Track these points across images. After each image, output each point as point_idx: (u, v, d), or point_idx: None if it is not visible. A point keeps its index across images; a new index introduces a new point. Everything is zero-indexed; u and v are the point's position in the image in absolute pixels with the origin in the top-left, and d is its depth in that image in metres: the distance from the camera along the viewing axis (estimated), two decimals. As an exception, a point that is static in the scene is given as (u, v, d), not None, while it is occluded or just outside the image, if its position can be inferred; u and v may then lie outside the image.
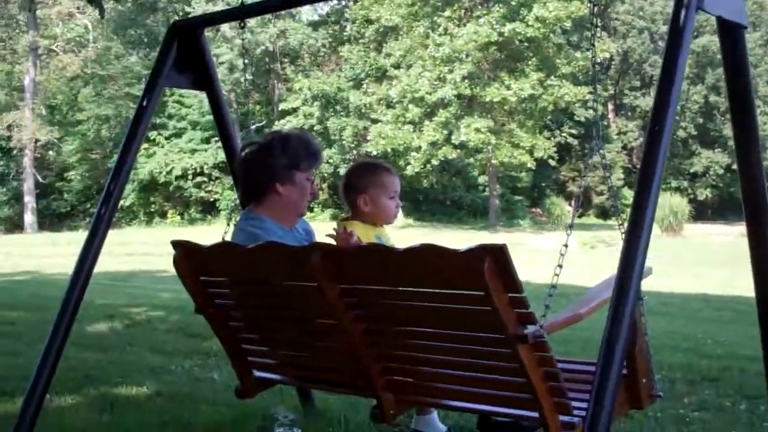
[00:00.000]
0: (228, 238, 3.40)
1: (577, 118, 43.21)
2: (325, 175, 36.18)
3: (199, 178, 38.81)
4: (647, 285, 2.72)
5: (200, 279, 3.22)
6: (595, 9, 3.04)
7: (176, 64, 3.84)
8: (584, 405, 2.39)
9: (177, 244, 3.20)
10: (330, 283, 2.70)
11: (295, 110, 38.15)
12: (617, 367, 2.32)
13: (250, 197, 3.44)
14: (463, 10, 34.70)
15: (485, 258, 2.32)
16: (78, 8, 38.39)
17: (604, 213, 44.63)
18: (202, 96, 4.15)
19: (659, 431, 3.96)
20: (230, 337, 3.35)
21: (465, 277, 2.40)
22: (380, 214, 3.33)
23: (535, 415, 2.57)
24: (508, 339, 2.42)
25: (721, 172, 46.46)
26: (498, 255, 2.32)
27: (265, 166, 3.33)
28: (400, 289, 2.69)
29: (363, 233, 3.02)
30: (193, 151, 39.05)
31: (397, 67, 35.16)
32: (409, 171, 34.10)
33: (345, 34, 38.46)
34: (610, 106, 50.41)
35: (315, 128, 36.92)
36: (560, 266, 2.50)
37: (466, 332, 2.62)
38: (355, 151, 37.51)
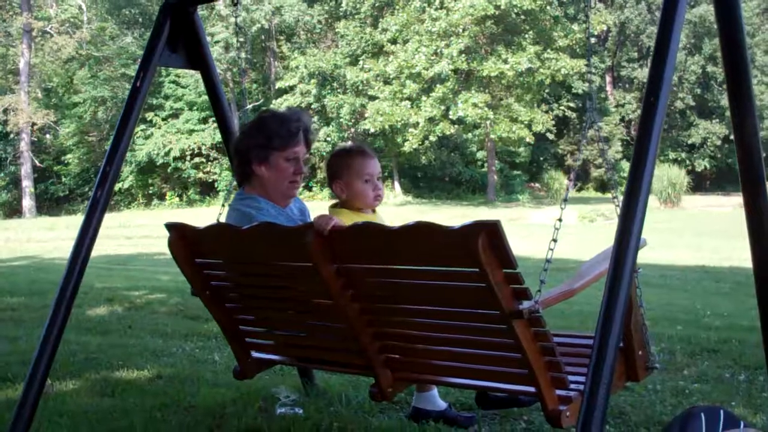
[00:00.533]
0: (222, 219, 3.39)
1: (575, 91, 43.11)
2: (324, 154, 36.06)
3: (197, 159, 38.70)
4: (645, 257, 2.72)
5: (196, 261, 3.21)
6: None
7: (169, 43, 3.80)
8: (581, 378, 2.39)
9: (171, 227, 3.18)
10: (325, 263, 2.69)
11: (292, 88, 37.93)
12: (615, 340, 2.31)
13: (240, 178, 3.46)
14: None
15: (479, 234, 2.31)
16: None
17: (603, 186, 44.70)
18: (198, 76, 4.11)
19: (659, 403, 3.97)
20: (227, 319, 3.35)
21: (460, 254, 2.39)
22: (357, 198, 3.26)
23: (533, 389, 2.58)
24: (504, 315, 2.41)
25: (718, 143, 46.42)
26: (492, 231, 2.31)
27: (243, 147, 3.35)
28: (396, 267, 2.68)
29: (349, 220, 2.99)
30: (191, 132, 38.87)
31: (394, 42, 34.94)
32: (407, 147, 34.01)
33: (341, 9, 38.14)
34: (608, 78, 50.22)
35: (312, 106, 36.75)
36: (554, 240, 2.49)
37: (461, 309, 2.62)
38: (353, 129, 37.39)
